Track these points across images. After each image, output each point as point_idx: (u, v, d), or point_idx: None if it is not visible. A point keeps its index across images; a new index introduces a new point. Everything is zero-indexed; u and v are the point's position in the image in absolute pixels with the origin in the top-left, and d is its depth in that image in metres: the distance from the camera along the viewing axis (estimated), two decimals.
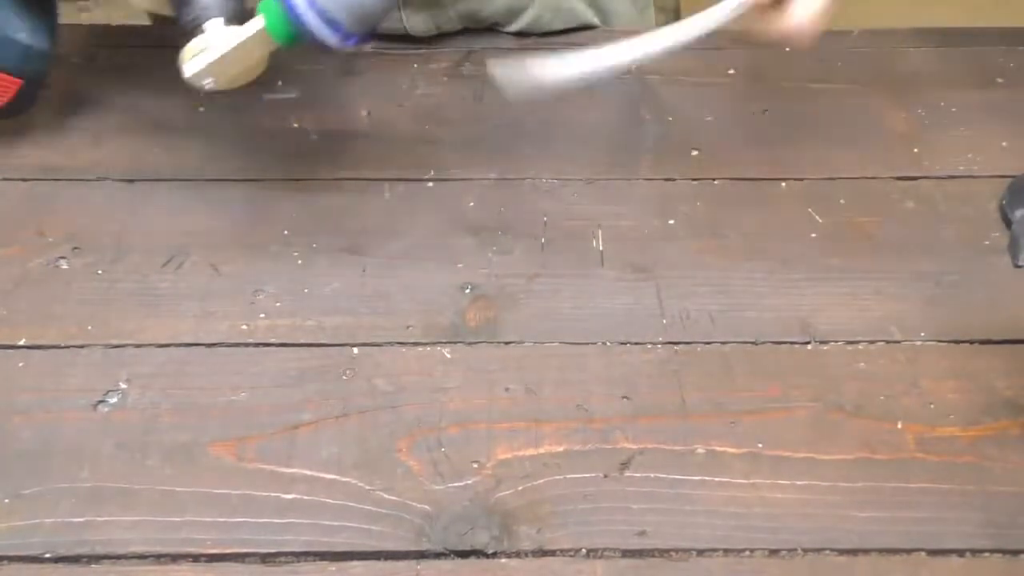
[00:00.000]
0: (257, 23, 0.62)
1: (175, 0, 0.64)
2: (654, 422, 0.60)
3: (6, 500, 0.57)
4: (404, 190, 0.73)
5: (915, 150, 0.75)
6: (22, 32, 0.69)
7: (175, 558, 0.55)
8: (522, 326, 0.65)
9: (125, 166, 0.74)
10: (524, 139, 0.76)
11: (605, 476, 0.58)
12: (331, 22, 0.61)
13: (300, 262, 0.68)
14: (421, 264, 0.68)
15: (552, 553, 0.55)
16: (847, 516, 0.56)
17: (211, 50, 0.62)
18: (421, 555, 0.55)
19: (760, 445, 0.59)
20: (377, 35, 0.63)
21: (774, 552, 0.55)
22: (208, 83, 0.63)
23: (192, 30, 0.64)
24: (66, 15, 0.75)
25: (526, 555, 0.55)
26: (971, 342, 0.64)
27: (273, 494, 0.57)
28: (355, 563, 0.55)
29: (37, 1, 0.70)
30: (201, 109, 0.78)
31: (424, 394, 0.61)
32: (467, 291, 0.67)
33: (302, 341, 0.64)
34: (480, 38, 0.84)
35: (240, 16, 0.64)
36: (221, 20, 0.63)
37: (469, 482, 0.58)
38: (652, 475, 0.58)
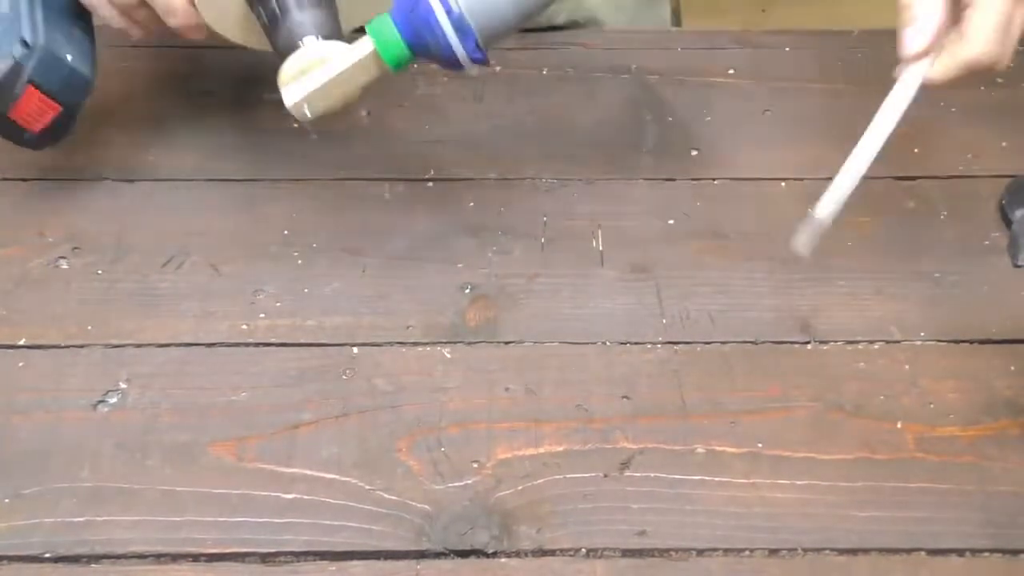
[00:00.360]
0: (366, 45, 0.59)
1: (267, 18, 0.62)
2: (654, 422, 0.60)
3: (6, 500, 0.57)
4: (404, 190, 0.73)
5: (915, 150, 0.75)
6: (69, 54, 0.66)
7: (175, 558, 0.55)
8: (522, 326, 0.65)
9: (125, 166, 0.74)
10: (524, 139, 0.76)
11: (605, 476, 0.58)
12: (465, 32, 0.58)
13: (300, 262, 0.68)
14: (421, 264, 0.68)
15: (552, 553, 0.55)
16: (847, 516, 0.56)
17: (313, 76, 0.59)
18: (421, 555, 0.55)
19: (760, 445, 0.59)
20: (488, 62, 0.61)
21: (774, 552, 0.55)
22: (305, 111, 0.60)
23: (287, 50, 0.60)
24: None
25: (526, 555, 0.55)
26: (971, 342, 0.64)
27: (273, 494, 0.57)
28: (355, 563, 0.55)
29: (82, 25, 0.68)
30: (201, 109, 0.78)
31: (424, 394, 0.61)
32: (467, 291, 0.67)
33: (302, 341, 0.64)
34: None
35: (336, 34, 0.61)
36: (315, 37, 0.60)
37: (469, 482, 0.58)
38: (652, 475, 0.58)
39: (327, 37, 0.60)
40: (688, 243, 0.69)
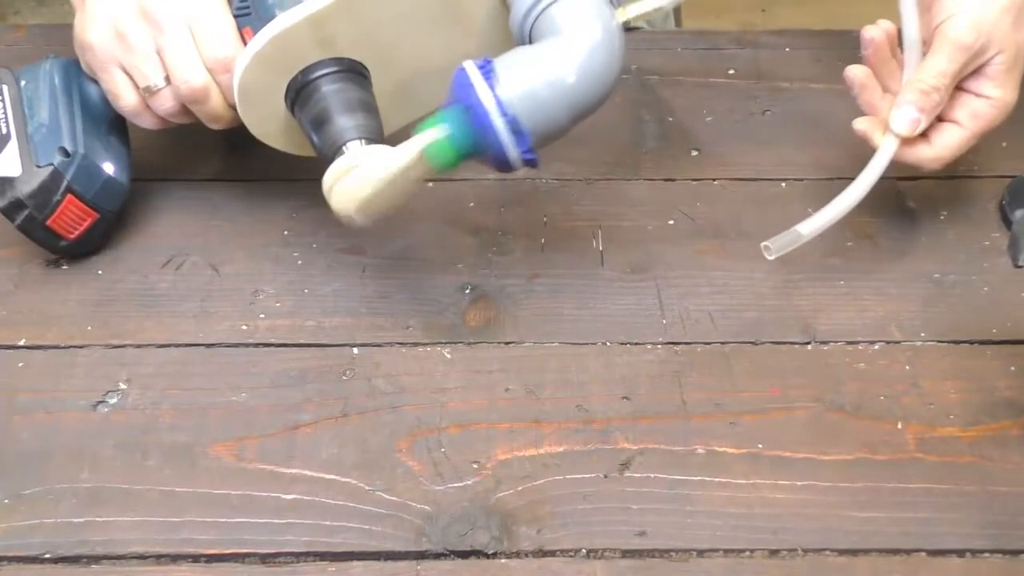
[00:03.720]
0: (415, 148, 0.57)
1: (310, 123, 0.62)
2: (654, 422, 0.60)
3: (6, 500, 0.57)
4: None
5: None
6: (107, 162, 0.66)
7: (175, 558, 0.55)
8: (522, 326, 0.65)
9: None
10: None
11: (605, 476, 0.58)
12: (520, 134, 0.57)
13: (300, 262, 0.68)
14: (421, 264, 0.68)
15: (552, 553, 0.55)
16: (847, 516, 0.56)
17: (360, 182, 0.57)
18: (421, 555, 0.55)
19: (760, 445, 0.59)
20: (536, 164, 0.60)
21: (774, 552, 0.55)
22: (353, 217, 0.57)
23: (331, 155, 0.60)
24: (66, 15, 0.75)
25: (526, 555, 0.55)
26: (971, 342, 0.64)
27: (273, 494, 0.57)
28: (355, 563, 0.55)
29: (118, 133, 0.69)
30: None
31: (424, 394, 0.61)
32: (467, 291, 0.67)
33: (302, 341, 0.64)
34: None
35: (379, 137, 0.61)
36: (359, 142, 0.60)
37: (469, 482, 0.58)
38: (652, 475, 0.58)
39: (371, 142, 0.60)
40: (688, 243, 0.69)
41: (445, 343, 0.64)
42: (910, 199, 0.72)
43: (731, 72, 0.81)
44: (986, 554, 0.55)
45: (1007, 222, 0.70)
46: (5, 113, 0.66)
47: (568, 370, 0.63)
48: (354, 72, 0.63)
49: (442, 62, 0.61)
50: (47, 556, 0.55)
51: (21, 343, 0.64)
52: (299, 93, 0.62)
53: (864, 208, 0.69)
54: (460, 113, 0.57)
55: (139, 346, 0.64)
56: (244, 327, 0.65)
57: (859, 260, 0.68)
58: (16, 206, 0.64)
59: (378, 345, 0.64)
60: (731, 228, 0.70)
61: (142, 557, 0.55)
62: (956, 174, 0.73)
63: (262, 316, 0.65)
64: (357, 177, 0.57)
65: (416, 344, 0.64)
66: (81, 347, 0.64)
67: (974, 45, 0.63)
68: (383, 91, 0.64)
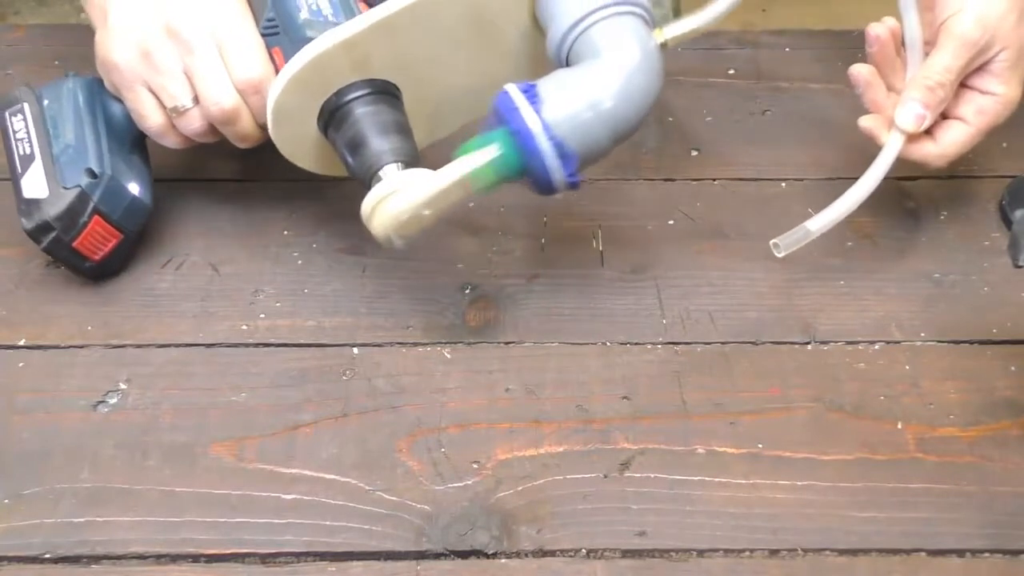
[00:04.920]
0: (455, 173, 0.57)
1: (345, 146, 0.61)
2: (654, 422, 0.60)
3: (6, 500, 0.57)
4: None
5: None
6: (132, 182, 0.65)
7: (175, 558, 0.55)
8: (522, 326, 0.65)
9: None
10: None
11: (605, 476, 0.58)
12: (567, 157, 0.57)
13: (300, 262, 0.68)
14: (421, 264, 0.68)
15: (552, 553, 0.55)
16: (847, 516, 0.56)
17: (400, 208, 0.57)
18: (421, 555, 0.55)
19: (760, 445, 0.59)
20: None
21: (774, 552, 0.55)
22: (395, 242, 0.58)
23: (367, 178, 0.59)
24: (66, 15, 0.75)
25: (526, 555, 0.55)
26: (971, 342, 0.64)
27: (273, 494, 0.57)
28: (355, 563, 0.55)
29: (140, 151, 0.68)
30: None
31: (424, 394, 0.61)
32: (467, 291, 0.67)
33: (302, 341, 0.64)
34: None
35: (415, 160, 0.60)
36: (396, 166, 0.59)
37: (469, 482, 0.58)
38: (652, 475, 0.58)
39: (407, 164, 0.60)
40: (688, 243, 0.69)
41: (445, 343, 0.64)
42: (910, 199, 0.72)
43: (731, 72, 0.81)
44: (986, 554, 0.55)
45: (1007, 222, 0.70)
46: (28, 133, 0.65)
47: (568, 370, 0.63)
48: (387, 93, 0.62)
49: (472, 83, 0.61)
50: (47, 556, 0.55)
51: (21, 343, 0.64)
52: (333, 115, 0.61)
53: (864, 208, 0.69)
54: (505, 137, 0.57)
55: (139, 346, 0.64)
56: (244, 327, 0.65)
57: (859, 260, 0.68)
58: (43, 228, 0.63)
59: (378, 345, 0.64)
60: (731, 228, 0.70)
61: (142, 557, 0.55)
62: (956, 174, 0.73)
63: (262, 316, 0.65)
64: (397, 202, 0.57)
65: (416, 344, 0.64)
66: (81, 347, 0.64)
67: (979, 41, 0.63)
68: (411, 111, 0.63)
